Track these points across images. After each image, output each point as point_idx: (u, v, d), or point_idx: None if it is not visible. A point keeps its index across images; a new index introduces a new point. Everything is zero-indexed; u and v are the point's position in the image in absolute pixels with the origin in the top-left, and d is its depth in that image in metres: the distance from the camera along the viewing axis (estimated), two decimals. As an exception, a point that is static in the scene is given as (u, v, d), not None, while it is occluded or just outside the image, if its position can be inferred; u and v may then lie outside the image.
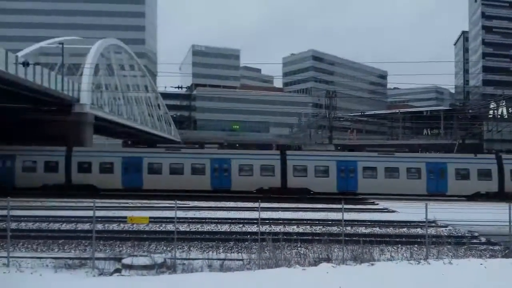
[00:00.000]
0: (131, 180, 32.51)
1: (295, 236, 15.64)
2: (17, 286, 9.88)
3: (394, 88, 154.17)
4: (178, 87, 40.74)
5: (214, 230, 17.83)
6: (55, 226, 18.27)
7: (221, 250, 14.82)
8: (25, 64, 27.66)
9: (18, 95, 31.19)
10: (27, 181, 31.86)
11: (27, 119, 36.93)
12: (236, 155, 34.13)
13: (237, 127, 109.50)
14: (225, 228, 18.31)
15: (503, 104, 71.57)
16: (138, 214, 18.98)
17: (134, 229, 17.20)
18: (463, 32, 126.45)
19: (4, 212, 16.67)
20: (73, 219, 19.64)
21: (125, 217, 15.16)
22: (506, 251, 13.74)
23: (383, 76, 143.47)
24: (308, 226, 18.86)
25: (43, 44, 49.23)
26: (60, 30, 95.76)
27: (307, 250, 14.19)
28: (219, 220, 19.71)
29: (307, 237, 16.27)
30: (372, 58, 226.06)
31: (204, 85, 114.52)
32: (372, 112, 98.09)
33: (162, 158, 32.94)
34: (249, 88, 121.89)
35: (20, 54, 38.60)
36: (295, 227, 18.67)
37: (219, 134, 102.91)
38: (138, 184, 32.61)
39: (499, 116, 73.56)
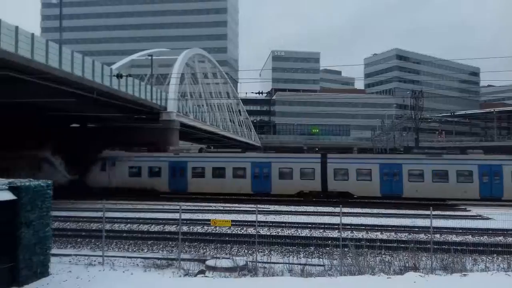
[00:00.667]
0: (391, 187, 30.63)
1: (378, 243, 15.14)
2: (111, 283, 10.56)
3: (488, 86, 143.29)
4: (258, 93, 41.49)
5: (294, 234, 17.77)
6: (145, 227, 19.38)
7: (301, 255, 14.74)
8: (119, 76, 29.69)
9: (112, 105, 33.60)
10: (283, 188, 31.85)
11: (118, 127, 39.80)
12: (508, 161, 30.49)
13: (317, 130, 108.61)
14: (305, 233, 18.18)
15: None
16: (221, 217, 19.52)
17: (217, 231, 17.69)
18: None
19: (100, 214, 18.08)
20: (161, 221, 20.71)
21: (209, 220, 15.64)
22: None
23: (475, 73, 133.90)
24: (392, 233, 18.13)
25: (134, 56, 52.96)
26: (149, 42, 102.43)
27: (392, 258, 13.64)
28: (299, 225, 19.60)
29: (392, 244, 15.67)
30: (463, 55, 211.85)
31: (284, 90, 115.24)
32: (463, 112, 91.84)
33: (423, 164, 30.50)
34: (329, 91, 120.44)
35: (114, 67, 41.79)
36: (378, 233, 18.02)
37: (298, 138, 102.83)
38: (398, 191, 30.57)
39: None
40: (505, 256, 14.17)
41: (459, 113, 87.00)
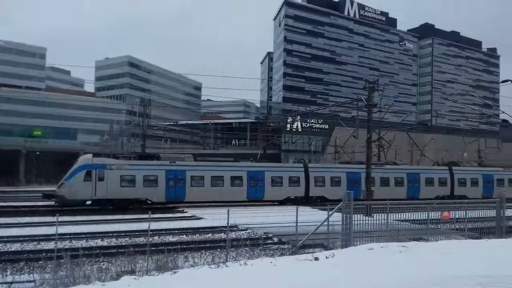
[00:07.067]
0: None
1: (98, 250, 14.91)
2: None
3: (207, 100, 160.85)
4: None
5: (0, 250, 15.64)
6: None
7: (8, 272, 13.10)
8: None
9: None
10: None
11: None
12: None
13: (39, 132, 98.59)
14: (15, 247, 16.24)
15: (298, 119, 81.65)
16: None
17: None
18: (268, 53, 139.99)
19: None
20: None
21: None
22: (293, 248, 15.59)
23: (198, 87, 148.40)
24: (113, 239, 18.15)
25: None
26: None
27: (110, 264, 13.66)
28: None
29: (111, 251, 15.67)
30: (189, 70, 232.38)
31: (9, 86, 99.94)
32: (185, 122, 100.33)
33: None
34: (56, 91, 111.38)
35: None
36: (99, 240, 17.73)
37: (18, 140, 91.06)
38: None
39: (294, 130, 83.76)
40: (211, 251, 16.16)
41: (181, 122, 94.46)
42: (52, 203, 29.68)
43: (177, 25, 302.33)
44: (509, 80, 25.65)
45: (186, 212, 29.03)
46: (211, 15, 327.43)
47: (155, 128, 75.00)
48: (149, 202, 31.41)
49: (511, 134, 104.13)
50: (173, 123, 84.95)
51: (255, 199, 34.14)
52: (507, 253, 11.85)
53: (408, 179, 39.73)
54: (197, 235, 19.51)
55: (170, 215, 27.42)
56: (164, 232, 19.70)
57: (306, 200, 35.55)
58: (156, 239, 17.97)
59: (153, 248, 14.73)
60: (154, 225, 19.85)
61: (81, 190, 29.16)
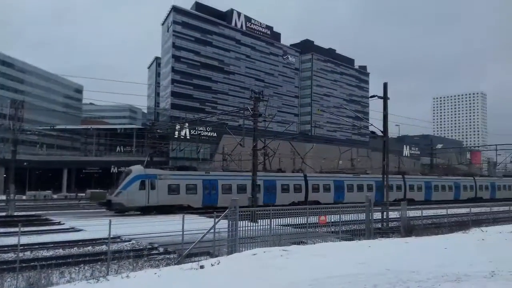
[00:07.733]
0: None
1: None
2: None
3: (90, 104, 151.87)
4: None
5: None
6: None
7: None
8: None
9: None
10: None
11: None
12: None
13: None
14: None
15: (186, 126, 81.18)
16: None
17: None
18: (156, 58, 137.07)
19: None
20: None
21: None
22: (179, 258, 15.44)
23: (79, 90, 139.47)
24: (-25, 256, 16.18)
25: None
26: None
27: (-29, 286, 12.19)
28: None
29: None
30: (68, 72, 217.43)
31: None
32: (64, 127, 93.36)
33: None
34: None
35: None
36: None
37: None
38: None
39: (182, 137, 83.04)
40: (91, 264, 15.26)
41: (60, 127, 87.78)
42: None
43: (52, 25, 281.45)
44: (376, 96, 28.54)
45: (64, 224, 27.05)
46: (91, 16, 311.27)
47: (28, 132, 68.58)
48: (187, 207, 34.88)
49: (378, 144, 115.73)
50: (49, 127, 78.51)
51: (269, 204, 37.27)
52: (375, 253, 13.17)
53: (376, 186, 45.62)
54: (75, 248, 18.27)
55: (45, 227, 25.27)
56: (37, 246, 18.11)
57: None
58: (27, 254, 16.45)
59: (24, 265, 13.56)
60: (26, 239, 18.20)
61: (137, 198, 33.02)
